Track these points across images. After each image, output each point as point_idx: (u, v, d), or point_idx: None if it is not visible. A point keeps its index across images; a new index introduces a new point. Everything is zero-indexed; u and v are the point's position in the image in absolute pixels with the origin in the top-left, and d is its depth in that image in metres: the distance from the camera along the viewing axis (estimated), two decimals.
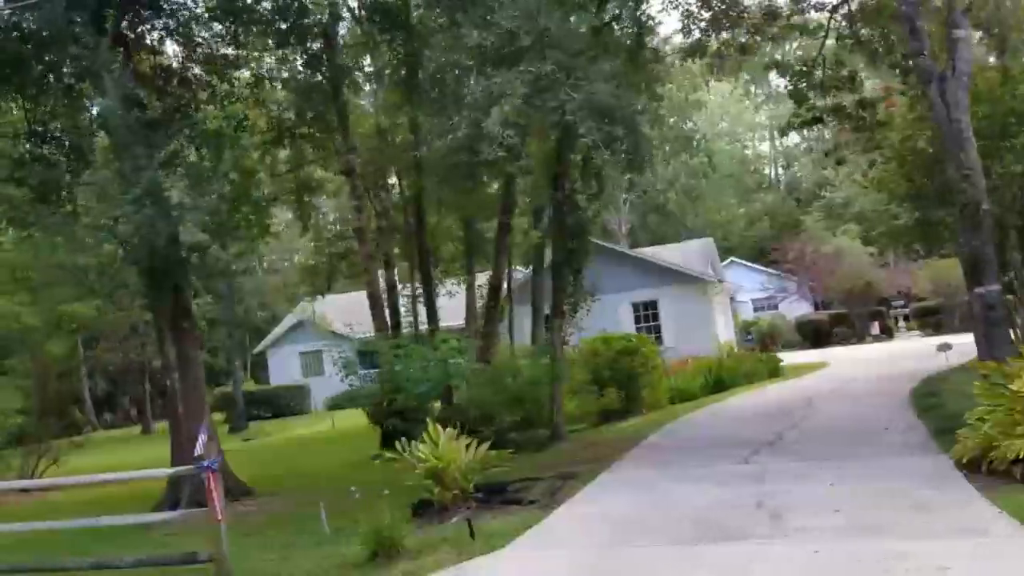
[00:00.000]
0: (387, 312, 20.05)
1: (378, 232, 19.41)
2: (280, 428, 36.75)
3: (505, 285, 22.20)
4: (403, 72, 13.96)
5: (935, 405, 13.40)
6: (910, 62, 13.65)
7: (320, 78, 13.63)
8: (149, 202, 11.84)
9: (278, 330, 46.21)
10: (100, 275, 12.59)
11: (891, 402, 15.27)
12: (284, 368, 44.89)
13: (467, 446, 10.46)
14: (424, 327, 22.08)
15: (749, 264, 51.12)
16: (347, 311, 44.79)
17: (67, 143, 15.43)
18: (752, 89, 70.21)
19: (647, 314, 32.42)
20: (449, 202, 19.19)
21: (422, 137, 14.17)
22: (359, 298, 45.82)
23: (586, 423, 19.32)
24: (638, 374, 20.30)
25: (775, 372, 25.55)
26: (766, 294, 46.13)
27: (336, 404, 42.09)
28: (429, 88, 11.27)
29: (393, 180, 22.72)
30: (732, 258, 50.28)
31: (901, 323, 42.11)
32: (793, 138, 73.29)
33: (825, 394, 17.72)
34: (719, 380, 23.49)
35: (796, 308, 44.80)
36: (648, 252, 37.91)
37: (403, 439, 11.02)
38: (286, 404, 42.13)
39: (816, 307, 46.32)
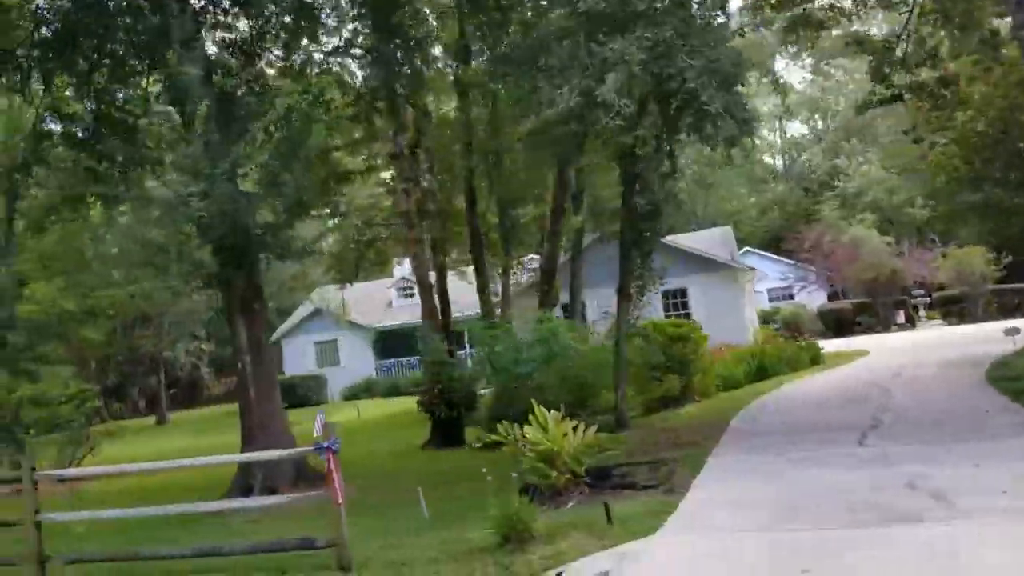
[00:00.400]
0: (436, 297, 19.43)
1: (420, 216, 18.97)
2: (300, 418, 36.00)
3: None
4: (492, 41, 13.47)
5: None
6: (999, 37, 13.31)
7: (399, 52, 13.18)
8: (229, 178, 11.45)
9: (293, 319, 45.69)
10: (179, 254, 12.16)
11: (970, 387, 14.99)
12: (299, 358, 44.32)
13: (573, 429, 10.10)
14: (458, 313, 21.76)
15: (763, 253, 50.86)
16: (361, 301, 44.40)
17: (124, 120, 15.00)
18: (758, 77, 69.90)
19: (676, 302, 32.12)
20: (502, 184, 18.80)
21: (518, 111, 13.72)
22: (373, 288, 45.57)
23: (635, 410, 18.97)
24: (690, 361, 20.01)
25: (816, 360, 25.27)
26: (784, 283, 45.84)
27: (353, 394, 41.69)
28: (530, 58, 10.85)
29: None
30: (747, 248, 50.00)
31: (921, 312, 41.92)
32: (800, 128, 73.29)
33: (891, 380, 17.40)
34: (761, 367, 23.21)
35: (811, 297, 44.55)
36: (670, 240, 37.54)
37: (511, 424, 10.54)
38: (302, 394, 41.55)
39: (830, 297, 46.10)
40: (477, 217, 18.84)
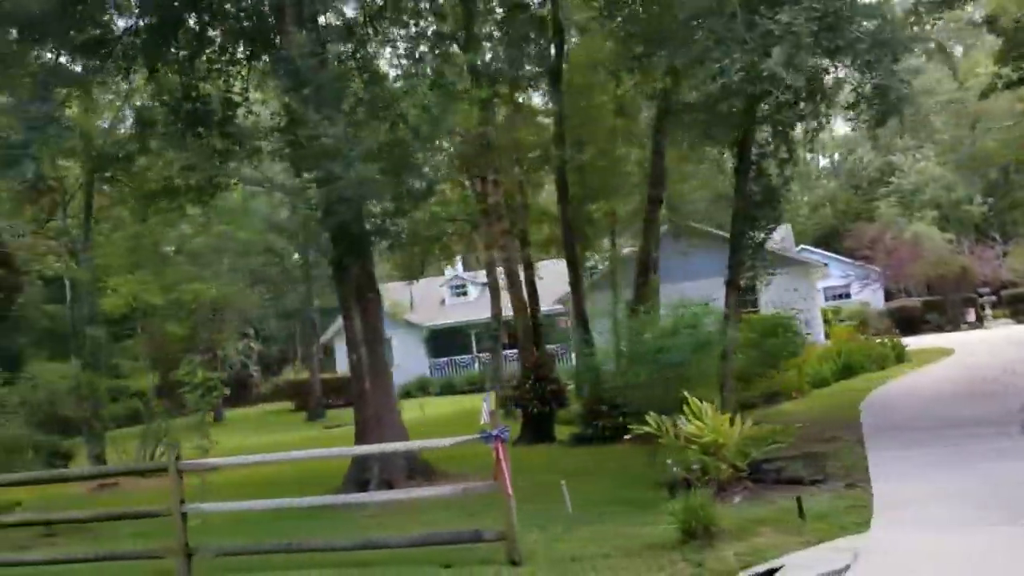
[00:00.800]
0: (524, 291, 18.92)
1: (509, 208, 18.54)
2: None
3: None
4: (622, 21, 12.92)
5: None
6: None
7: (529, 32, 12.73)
8: (349, 164, 11.10)
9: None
10: (305, 238, 11.87)
11: None
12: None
13: (729, 421, 9.62)
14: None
15: (815, 250, 49.91)
16: (413, 299, 44.09)
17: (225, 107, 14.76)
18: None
19: (746, 300, 31.38)
20: (594, 175, 18.35)
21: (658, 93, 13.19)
22: (425, 286, 45.22)
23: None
24: (786, 357, 19.49)
25: (901, 358, 24.55)
26: (844, 281, 44.92)
27: (407, 392, 41.32)
28: (679, 34, 10.38)
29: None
30: (802, 245, 49.13)
31: (987, 310, 40.83)
32: (843, 128, 72.05)
33: (1008, 375, 16.69)
34: (847, 365, 22.61)
35: (872, 296, 43.59)
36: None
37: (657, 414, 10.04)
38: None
39: (887, 295, 45.12)
40: (569, 209, 18.30)
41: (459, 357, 43.25)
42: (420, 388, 41.39)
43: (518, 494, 11.70)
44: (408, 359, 43.28)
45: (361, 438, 12.93)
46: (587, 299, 25.86)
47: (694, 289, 25.04)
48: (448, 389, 40.00)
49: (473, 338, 42.99)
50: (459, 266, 45.90)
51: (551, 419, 18.08)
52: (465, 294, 45.84)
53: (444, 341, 43.63)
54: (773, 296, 30.38)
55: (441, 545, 8.55)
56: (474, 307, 44.46)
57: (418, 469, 13.21)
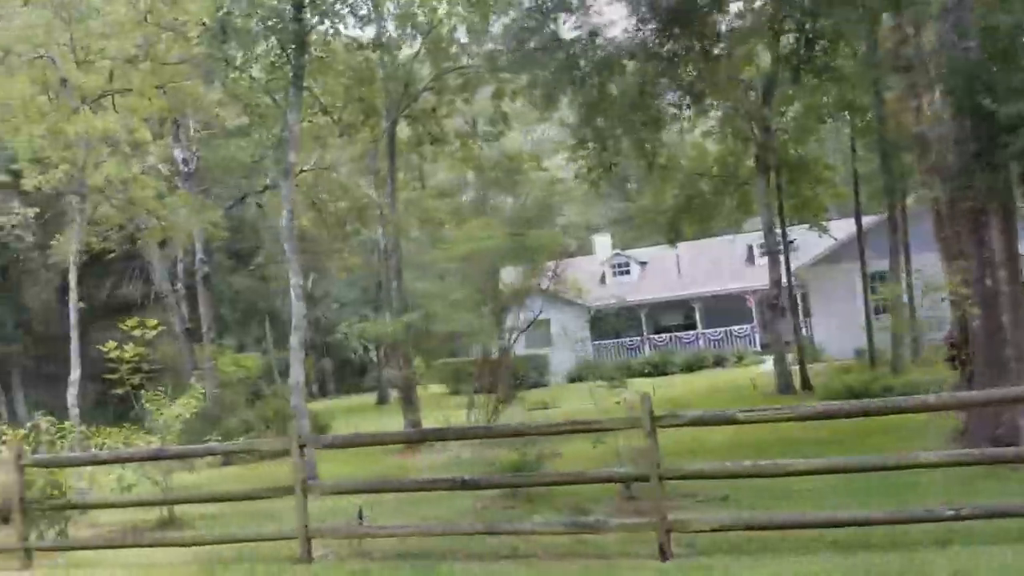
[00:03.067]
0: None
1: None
2: (556, 398, 32.51)
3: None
4: None
5: None
6: None
7: None
8: None
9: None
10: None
11: None
12: None
13: None
14: None
15: None
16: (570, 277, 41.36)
17: None
18: None
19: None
20: None
21: None
22: (583, 264, 42.62)
23: None
24: None
25: None
26: None
27: (579, 376, 38.65)
28: None
29: None
30: None
31: None
32: None
33: None
34: None
35: None
36: None
37: None
38: (525, 374, 38.69)
39: None
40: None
41: (626, 339, 40.58)
42: (591, 371, 38.71)
43: None
44: (568, 340, 40.51)
45: (993, 383, 10.31)
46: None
47: None
48: (625, 372, 37.28)
49: (643, 318, 40.39)
50: (607, 247, 43.35)
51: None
52: (628, 272, 43.30)
53: (607, 322, 40.94)
54: None
55: None
56: (637, 287, 41.83)
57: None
